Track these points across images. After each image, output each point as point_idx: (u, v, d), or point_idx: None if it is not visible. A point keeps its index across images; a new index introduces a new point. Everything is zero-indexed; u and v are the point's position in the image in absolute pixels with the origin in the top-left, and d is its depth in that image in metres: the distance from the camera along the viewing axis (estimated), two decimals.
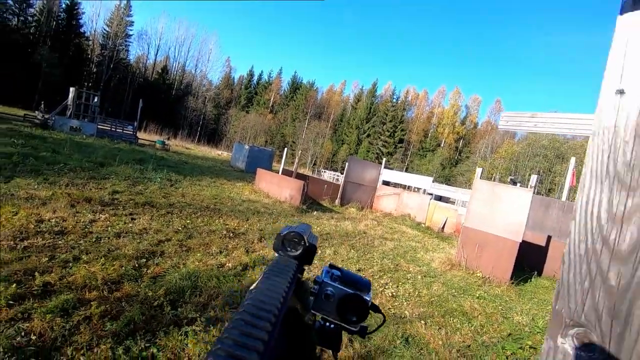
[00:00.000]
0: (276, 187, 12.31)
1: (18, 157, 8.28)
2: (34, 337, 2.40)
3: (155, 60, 69.65)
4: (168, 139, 34.57)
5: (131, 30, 61.79)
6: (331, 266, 0.59)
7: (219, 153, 39.36)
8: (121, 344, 2.54)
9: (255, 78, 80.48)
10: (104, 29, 58.87)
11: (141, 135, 31.22)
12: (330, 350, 0.55)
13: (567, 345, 0.71)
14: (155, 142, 26.34)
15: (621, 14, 0.75)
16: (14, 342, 2.30)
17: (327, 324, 0.54)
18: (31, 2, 49.07)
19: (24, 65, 42.27)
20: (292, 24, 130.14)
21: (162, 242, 4.93)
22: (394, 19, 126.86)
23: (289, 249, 0.54)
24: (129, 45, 62.23)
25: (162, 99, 60.82)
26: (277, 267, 0.45)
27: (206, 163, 21.43)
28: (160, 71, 66.45)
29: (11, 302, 2.74)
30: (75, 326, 2.63)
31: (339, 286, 0.54)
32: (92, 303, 2.94)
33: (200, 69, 73.22)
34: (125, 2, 59.33)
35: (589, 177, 0.74)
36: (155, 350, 2.56)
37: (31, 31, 48.88)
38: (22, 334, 2.41)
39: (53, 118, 19.91)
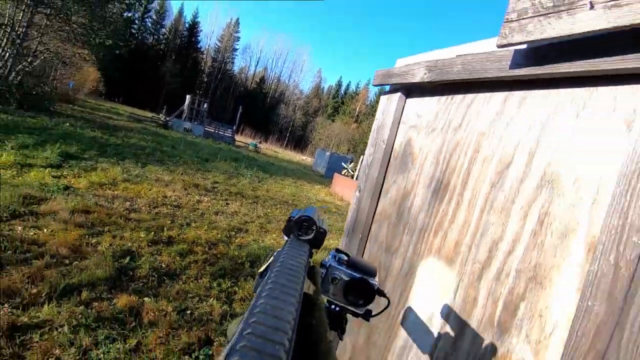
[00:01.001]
0: (349, 191, 13.14)
1: (149, 150, 10.61)
2: (163, 265, 3.60)
3: (255, 71, 77.01)
4: (260, 142, 38.15)
5: (237, 44, 69.53)
6: (337, 250, 0.59)
7: (303, 158, 41.94)
8: (215, 281, 3.60)
9: (343, 88, 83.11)
10: (216, 44, 67.34)
11: (238, 137, 35.09)
12: (335, 332, 0.56)
13: None
14: (249, 144, 29.47)
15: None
16: (154, 265, 3.51)
17: (333, 306, 0.55)
18: (163, 23, 58.82)
19: (154, 75, 50.83)
20: (379, 38, 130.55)
21: (247, 223, 6.12)
22: None
23: (301, 233, 0.53)
24: (234, 58, 70.09)
25: (258, 106, 66.86)
26: (292, 252, 0.43)
27: (290, 166, 23.35)
28: (258, 81, 73.22)
29: (150, 244, 4.03)
30: (187, 265, 3.79)
31: (346, 270, 0.55)
32: (198, 252, 4.11)
33: (293, 79, 78.69)
34: (235, 19, 67.07)
35: None
36: (237, 289, 3.56)
37: (161, 47, 58.49)
38: (157, 262, 3.63)
39: (172, 120, 23.92)
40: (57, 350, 2.15)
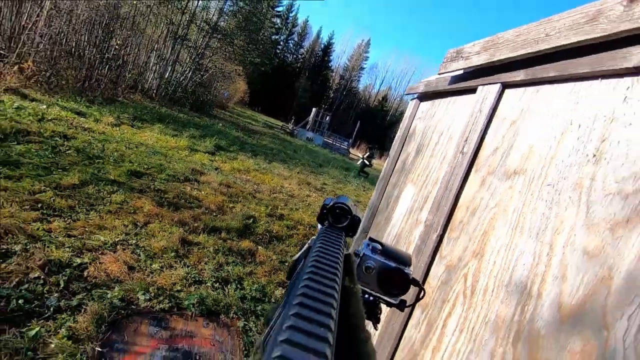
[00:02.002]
0: None
1: (276, 151, 12.59)
2: (274, 231, 4.70)
3: (379, 89, 79.18)
4: (373, 157, 39.11)
5: (365, 64, 72.77)
6: (371, 239, 0.59)
7: None
8: None
9: None
10: (346, 63, 71.87)
11: (353, 151, 36.85)
12: (370, 322, 0.56)
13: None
14: (362, 157, 30.71)
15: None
16: (267, 229, 4.64)
17: (367, 295, 0.56)
18: (303, 44, 65.95)
19: (288, 89, 57.34)
20: None
21: None
22: None
23: (336, 220, 0.52)
24: (360, 76, 73.48)
25: (377, 123, 68.43)
26: (328, 240, 0.41)
27: None
28: (380, 99, 75.00)
29: (267, 215, 5.23)
30: (291, 235, 4.82)
31: (380, 259, 0.55)
32: (300, 228, 5.13)
33: None
34: (367, 40, 70.57)
35: None
36: None
37: (298, 65, 65.56)
38: (270, 227, 4.76)
39: (297, 129, 26.88)
40: (205, 259, 3.33)
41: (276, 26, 57.74)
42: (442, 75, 1.46)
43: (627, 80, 0.70)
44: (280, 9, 59.29)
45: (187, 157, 6.92)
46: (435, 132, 1.49)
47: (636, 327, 0.52)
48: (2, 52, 7.91)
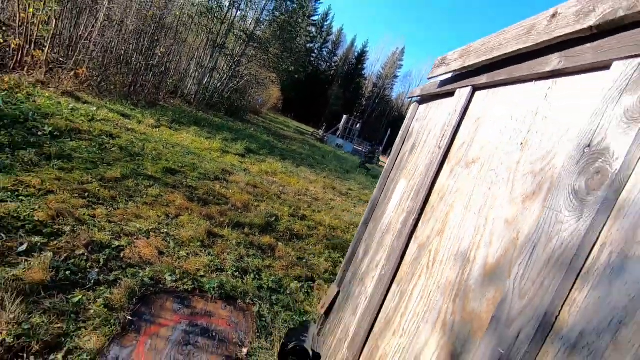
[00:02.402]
0: None
1: (304, 156, 12.87)
2: (295, 230, 4.91)
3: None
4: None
5: (399, 72, 72.23)
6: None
7: None
8: (327, 250, 4.68)
9: None
10: (379, 71, 71.71)
11: (382, 158, 36.66)
12: None
13: None
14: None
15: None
16: (289, 227, 4.85)
17: None
18: (336, 52, 66.64)
19: (321, 97, 58.03)
20: None
21: None
22: None
23: None
24: (394, 84, 72.98)
25: None
26: None
27: None
28: None
29: (289, 215, 5.45)
30: (311, 234, 5.01)
31: None
32: (320, 229, 5.31)
33: None
34: (401, 48, 70.18)
35: None
36: (341, 259, 4.55)
37: (331, 73, 66.23)
38: (291, 226, 4.97)
39: (327, 136, 27.17)
40: (228, 250, 3.58)
41: (311, 35, 58.86)
42: (432, 80, 1.60)
43: (549, 81, 0.82)
44: (315, 18, 60.47)
45: (218, 158, 7.32)
46: (425, 131, 1.63)
47: (522, 271, 0.65)
48: (61, 59, 8.78)
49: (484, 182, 0.92)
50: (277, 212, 5.30)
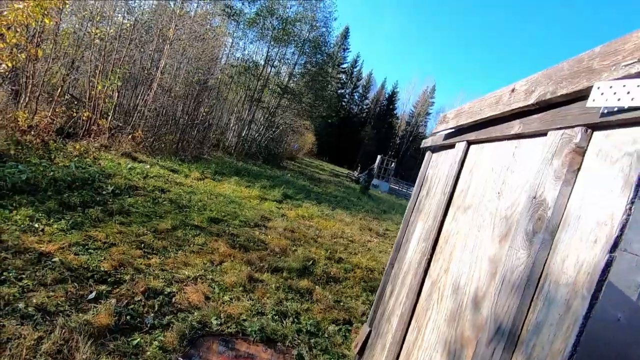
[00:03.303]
0: None
1: (340, 199, 13.11)
2: (331, 273, 5.01)
3: None
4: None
5: (431, 109, 72.56)
6: None
7: None
8: (365, 292, 4.71)
9: None
10: (411, 110, 72.47)
11: None
12: None
13: None
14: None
15: None
16: (325, 271, 4.97)
17: None
18: (367, 95, 68.77)
19: (354, 138, 59.22)
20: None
21: None
22: None
23: None
24: (427, 121, 73.06)
25: None
26: None
27: None
28: None
29: (326, 259, 5.58)
30: (348, 277, 5.08)
31: None
32: (357, 272, 5.36)
33: None
34: (432, 86, 71.12)
35: None
36: None
37: (363, 115, 67.92)
38: (328, 269, 5.08)
39: (363, 177, 27.39)
40: (268, 294, 3.77)
41: (342, 81, 61.63)
42: (438, 133, 1.79)
43: (515, 142, 1.00)
44: (345, 65, 63.58)
45: (257, 205, 7.73)
46: (436, 178, 1.79)
47: (496, 299, 0.80)
48: (120, 125, 9.99)
49: (476, 225, 1.08)
50: (314, 256, 5.46)
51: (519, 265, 0.75)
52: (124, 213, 4.64)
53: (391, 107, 69.33)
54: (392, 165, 29.64)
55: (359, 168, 30.87)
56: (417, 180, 2.19)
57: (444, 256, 1.27)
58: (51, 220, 3.79)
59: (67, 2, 6.70)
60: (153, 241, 4.08)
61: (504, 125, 1.04)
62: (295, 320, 3.48)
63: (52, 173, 4.95)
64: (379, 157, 29.73)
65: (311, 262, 5.16)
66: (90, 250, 3.44)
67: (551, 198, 0.72)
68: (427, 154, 2.18)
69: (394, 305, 1.76)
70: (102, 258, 3.36)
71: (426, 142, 2.13)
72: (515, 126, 0.96)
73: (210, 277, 3.75)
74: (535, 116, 0.87)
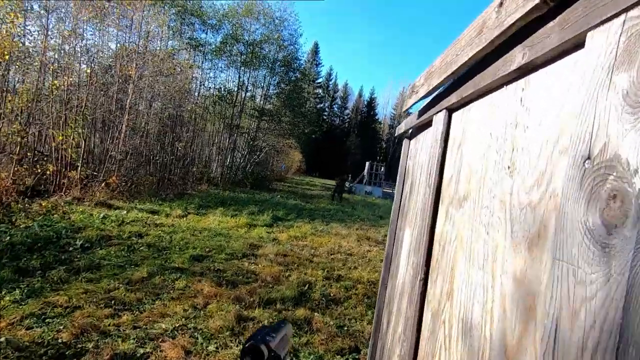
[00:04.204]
0: None
1: (333, 212, 12.72)
2: (331, 294, 4.59)
3: None
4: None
5: (412, 109, 73.38)
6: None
7: None
8: (370, 309, 4.28)
9: None
10: (392, 112, 73.11)
11: None
12: None
13: None
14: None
15: None
16: (324, 293, 4.55)
17: None
18: (347, 105, 69.35)
19: (341, 149, 59.24)
20: None
21: None
22: None
23: None
24: None
25: None
26: None
27: None
28: None
29: (324, 279, 5.16)
30: (349, 296, 4.66)
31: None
32: (359, 288, 4.95)
33: None
34: (407, 86, 72.22)
35: None
36: None
37: (345, 125, 68.24)
38: (327, 291, 4.66)
39: (355, 186, 27.09)
40: None
41: (319, 96, 62.04)
42: (411, 112, 1.46)
43: (521, 82, 0.65)
44: (320, 80, 64.17)
45: (245, 234, 7.30)
46: (418, 167, 1.44)
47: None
48: (94, 173, 9.55)
49: (480, 224, 0.73)
50: (310, 279, 5.04)
51: (586, 299, 0.40)
52: (93, 268, 4.20)
53: (372, 113, 69.87)
54: (382, 169, 29.45)
55: (350, 177, 30.59)
56: (398, 177, 1.84)
57: (442, 273, 0.91)
58: (3, 293, 3.34)
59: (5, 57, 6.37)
60: (125, 295, 3.64)
61: (498, 63, 0.70)
62: (294, 359, 3.05)
63: (8, 238, 4.50)
64: (367, 163, 29.55)
65: (307, 286, 4.73)
66: (47, 320, 2.99)
67: (632, 150, 0.37)
68: (404, 142, 1.83)
69: (392, 341, 1.38)
70: (62, 327, 2.91)
71: (400, 129, 1.79)
72: (517, 56, 0.62)
73: (193, 325, 3.31)
74: (549, 25, 0.54)
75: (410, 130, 1.69)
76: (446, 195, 0.99)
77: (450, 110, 1.02)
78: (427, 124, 1.32)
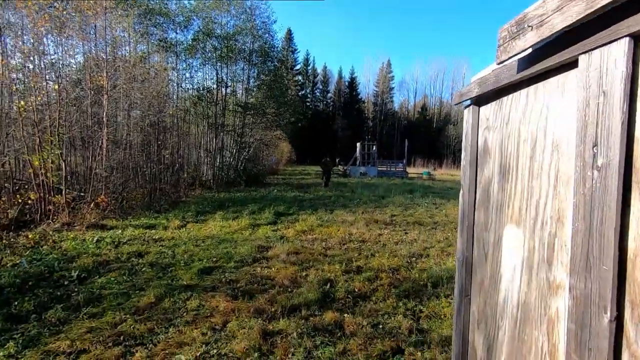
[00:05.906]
0: None
1: (334, 198, 12.38)
2: (356, 290, 4.27)
3: (415, 101, 77.75)
4: (434, 169, 37.32)
5: (393, 83, 72.65)
6: None
7: None
8: (401, 301, 3.99)
9: None
10: (374, 90, 72.41)
11: (410, 170, 35.53)
12: None
13: None
14: (422, 174, 29.40)
15: None
16: (348, 289, 4.23)
17: None
18: (328, 89, 68.36)
19: (328, 134, 58.66)
20: None
21: (427, 248, 6.30)
22: None
23: None
24: (392, 96, 73.20)
25: (423, 134, 66.27)
26: None
27: None
28: (420, 110, 73.27)
29: (343, 273, 4.84)
30: (375, 288, 4.35)
31: None
32: (383, 277, 4.64)
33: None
34: (387, 61, 71.20)
35: None
36: (422, 307, 3.84)
37: (330, 109, 67.46)
38: (350, 287, 4.34)
39: (349, 169, 26.76)
40: (292, 349, 3.00)
41: (300, 83, 60.97)
42: (504, 64, 1.07)
43: None
44: (298, 67, 62.95)
45: (251, 236, 6.93)
46: (522, 142, 1.07)
47: None
48: (82, 194, 9.02)
49: None
50: (329, 275, 4.71)
51: None
52: (93, 301, 3.80)
53: (354, 93, 69.09)
54: (374, 148, 29.13)
55: (342, 161, 30.24)
56: (466, 156, 1.44)
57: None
58: None
59: None
60: (134, 327, 3.26)
61: None
62: None
63: None
64: (358, 144, 29.18)
65: (328, 284, 4.41)
66: None
67: None
68: (470, 110, 1.42)
69: None
70: None
71: (467, 92, 1.35)
72: None
73: (215, 351, 2.96)
74: None
75: (478, 95, 1.29)
76: None
77: (636, 38, 0.63)
78: (546, 75, 0.93)
